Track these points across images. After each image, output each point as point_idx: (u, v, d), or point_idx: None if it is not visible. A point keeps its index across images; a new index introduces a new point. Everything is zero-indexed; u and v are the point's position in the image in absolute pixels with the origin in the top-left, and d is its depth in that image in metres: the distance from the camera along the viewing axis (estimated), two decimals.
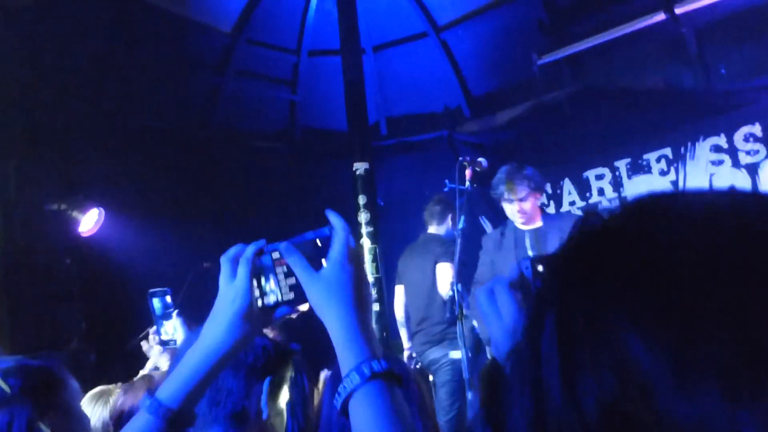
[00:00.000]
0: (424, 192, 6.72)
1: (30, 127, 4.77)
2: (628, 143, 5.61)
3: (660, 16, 5.36)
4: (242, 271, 0.97)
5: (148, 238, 5.36)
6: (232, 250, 1.00)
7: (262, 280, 0.99)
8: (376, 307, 5.51)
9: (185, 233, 5.52)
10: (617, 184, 5.65)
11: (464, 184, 3.72)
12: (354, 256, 0.97)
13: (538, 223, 3.77)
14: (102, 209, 5.22)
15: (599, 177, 5.74)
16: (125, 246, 5.32)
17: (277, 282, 0.98)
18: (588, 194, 5.84)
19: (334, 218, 0.99)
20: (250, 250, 0.99)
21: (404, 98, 6.90)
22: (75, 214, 5.10)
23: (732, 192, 0.48)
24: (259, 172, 6.42)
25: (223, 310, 0.97)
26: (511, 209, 3.73)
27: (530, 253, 3.67)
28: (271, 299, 0.98)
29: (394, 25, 6.72)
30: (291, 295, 0.98)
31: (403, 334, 5.04)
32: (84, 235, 5.13)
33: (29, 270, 4.80)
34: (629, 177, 5.59)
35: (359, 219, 5.81)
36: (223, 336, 0.96)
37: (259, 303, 0.98)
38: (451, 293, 3.47)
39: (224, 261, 0.99)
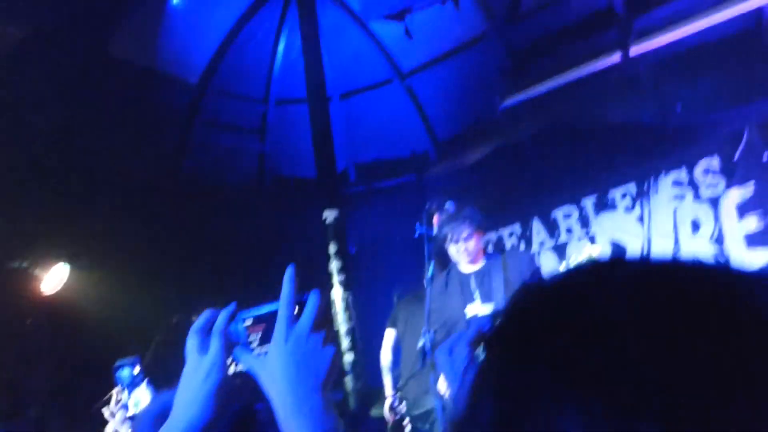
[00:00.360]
0: (395, 237, 6.73)
1: None
2: (592, 180, 5.69)
3: (616, 58, 5.51)
4: (216, 344, 0.94)
5: (115, 293, 5.26)
6: (202, 320, 0.97)
7: (234, 347, 0.96)
8: (350, 356, 5.43)
9: (153, 287, 5.42)
10: (585, 223, 5.70)
11: (432, 230, 3.74)
12: (321, 325, 0.94)
13: (481, 263, 3.75)
14: (68, 265, 5.12)
15: (567, 216, 5.79)
16: (92, 303, 5.21)
17: (250, 350, 0.96)
18: (557, 233, 5.87)
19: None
20: (222, 321, 0.96)
21: (372, 144, 6.96)
22: (38, 271, 5.00)
23: (675, 263, 0.49)
24: (229, 223, 6.38)
25: (196, 386, 0.94)
26: (455, 250, 3.72)
27: (476, 295, 3.62)
28: (244, 367, 0.96)
29: (360, 72, 6.82)
30: None
31: (387, 381, 4.86)
32: (48, 293, 5.01)
33: None
34: (596, 214, 5.64)
35: (330, 267, 5.77)
36: (198, 413, 0.93)
37: (232, 370, 0.96)
38: (422, 342, 3.43)
39: (194, 332, 0.96)
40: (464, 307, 3.59)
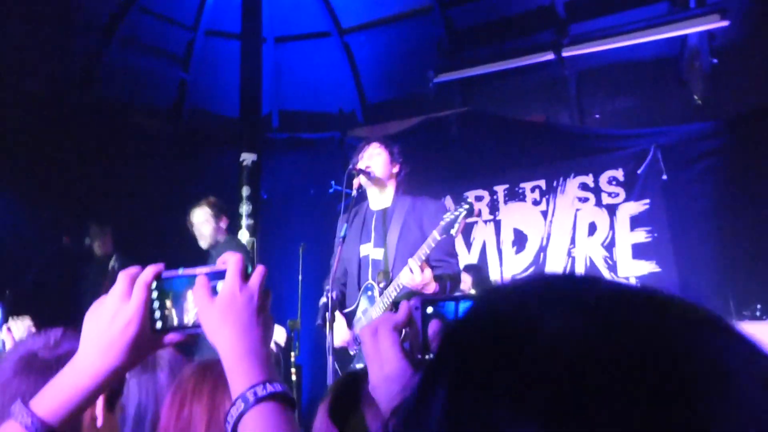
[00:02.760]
0: (309, 190, 6.73)
1: None
2: (507, 170, 5.94)
3: (549, 56, 5.74)
4: (138, 295, 0.93)
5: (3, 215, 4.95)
6: (135, 269, 0.96)
7: (159, 303, 0.96)
8: None
9: (48, 212, 5.14)
10: (494, 208, 5.97)
11: (351, 191, 3.58)
12: (252, 283, 0.97)
13: (388, 201, 3.40)
14: None
15: (479, 198, 6.03)
16: None
17: (178, 306, 0.96)
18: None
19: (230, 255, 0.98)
20: (149, 273, 0.95)
21: (300, 94, 6.86)
22: None
23: (628, 287, 0.49)
24: (139, 150, 6.08)
25: (112, 334, 0.93)
26: (361, 178, 3.30)
27: (372, 236, 3.36)
28: (167, 324, 0.96)
29: (299, 19, 6.66)
30: (187, 320, 0.96)
31: None
32: None
33: None
34: (505, 202, 5.93)
35: (240, 210, 5.71)
36: (113, 361, 0.92)
37: (157, 326, 0.95)
38: (324, 300, 3.39)
39: (122, 277, 0.95)
40: (359, 244, 3.37)
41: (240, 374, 0.89)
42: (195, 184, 6.12)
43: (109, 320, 0.93)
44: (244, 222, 5.65)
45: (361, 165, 3.32)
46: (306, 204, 6.54)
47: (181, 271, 0.98)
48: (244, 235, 5.65)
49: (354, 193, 3.48)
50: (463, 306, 1.06)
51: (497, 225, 5.89)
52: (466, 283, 5.16)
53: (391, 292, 3.12)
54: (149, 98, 6.51)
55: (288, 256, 5.56)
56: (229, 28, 6.52)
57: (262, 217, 5.93)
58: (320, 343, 3.56)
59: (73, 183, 5.54)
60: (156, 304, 0.96)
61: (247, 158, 5.80)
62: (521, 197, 5.87)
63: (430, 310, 1.08)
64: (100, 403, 1.27)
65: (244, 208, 5.74)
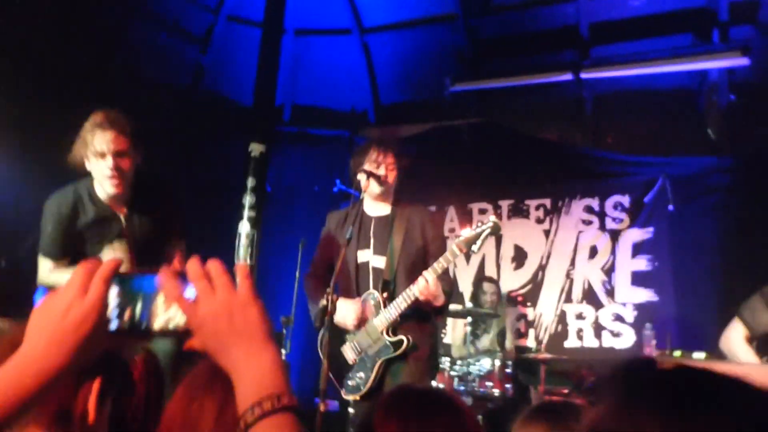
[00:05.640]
0: (314, 187, 6.72)
1: None
2: (513, 185, 5.93)
3: (567, 76, 5.71)
4: (96, 290, 0.87)
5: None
6: (93, 262, 0.89)
7: (119, 301, 0.89)
8: None
9: (50, 184, 5.12)
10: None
11: (360, 193, 3.51)
12: (253, 293, 0.91)
13: (387, 208, 3.34)
14: None
15: (482, 211, 6.01)
16: None
17: (142, 307, 0.90)
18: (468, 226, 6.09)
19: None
20: (108, 267, 0.89)
21: (314, 89, 6.83)
22: None
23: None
24: (147, 126, 6.03)
25: (64, 330, 0.86)
26: (365, 174, 3.21)
27: (371, 243, 3.29)
28: (126, 325, 0.89)
29: (321, 13, 6.63)
30: (157, 325, 0.90)
31: None
32: None
33: None
34: (509, 218, 5.91)
35: (243, 201, 5.68)
36: (59, 360, 0.85)
37: (112, 326, 0.88)
38: (324, 302, 3.29)
39: (80, 270, 0.88)
40: (356, 249, 3.30)
41: (255, 384, 0.85)
42: (200, 168, 6.12)
43: (61, 315, 0.86)
44: (246, 213, 5.63)
45: (371, 169, 3.26)
46: (309, 200, 6.53)
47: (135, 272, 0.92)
48: (244, 227, 5.62)
49: (362, 195, 3.42)
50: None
51: (498, 240, 5.87)
52: (486, 295, 5.12)
53: (401, 303, 3.11)
54: (165, 75, 6.48)
55: (287, 250, 5.55)
56: (252, 15, 6.50)
57: (264, 210, 5.90)
58: (312, 342, 3.51)
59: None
60: (114, 302, 0.89)
61: (256, 149, 5.77)
62: (525, 214, 5.85)
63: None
64: (92, 398, 1.23)
65: (248, 199, 5.70)
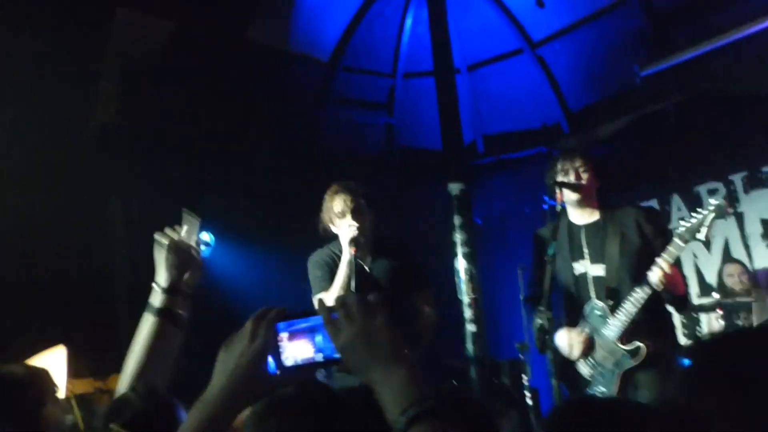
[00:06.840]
0: (523, 209, 6.62)
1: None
2: (743, 155, 5.25)
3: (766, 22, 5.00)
4: (262, 335, 1.03)
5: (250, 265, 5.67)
6: (261, 311, 1.06)
7: (280, 344, 1.05)
8: (473, 327, 5.43)
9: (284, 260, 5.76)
10: (732, 199, 5.28)
11: (564, 204, 3.42)
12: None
13: (594, 215, 3.24)
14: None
15: (712, 191, 5.40)
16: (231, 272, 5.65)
17: (312, 343, 1.06)
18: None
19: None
20: (274, 315, 1.05)
21: (501, 116, 6.83)
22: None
23: None
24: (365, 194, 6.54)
25: (237, 370, 1.02)
26: (564, 185, 3.15)
27: (586, 252, 3.20)
28: (290, 361, 1.04)
29: (488, 43, 6.69)
30: (315, 358, 1.05)
31: None
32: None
33: None
34: (746, 191, 5.22)
35: (454, 239, 5.78)
36: (234, 396, 1.02)
37: (283, 363, 1.04)
38: (540, 322, 3.17)
39: (251, 319, 1.05)
40: (570, 261, 3.21)
41: (398, 395, 0.95)
42: (412, 219, 6.40)
43: (237, 357, 1.03)
44: (460, 250, 5.71)
45: (561, 179, 3.20)
46: (522, 223, 6.43)
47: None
48: (461, 263, 5.70)
49: (561, 205, 3.34)
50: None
51: (739, 219, 5.19)
52: (733, 278, 4.58)
53: (630, 308, 2.98)
54: (362, 147, 7.00)
55: (508, 277, 5.54)
56: (424, 67, 6.78)
57: (479, 242, 5.95)
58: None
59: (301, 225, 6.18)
60: (278, 345, 1.05)
61: (454, 188, 5.88)
62: (765, 183, 5.12)
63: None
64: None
65: (458, 237, 5.80)
